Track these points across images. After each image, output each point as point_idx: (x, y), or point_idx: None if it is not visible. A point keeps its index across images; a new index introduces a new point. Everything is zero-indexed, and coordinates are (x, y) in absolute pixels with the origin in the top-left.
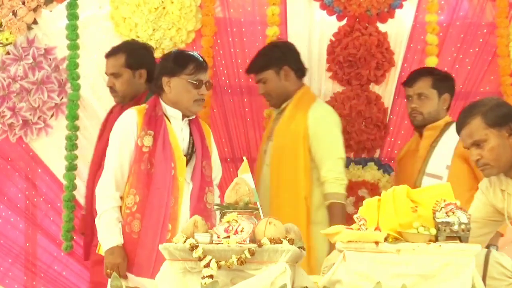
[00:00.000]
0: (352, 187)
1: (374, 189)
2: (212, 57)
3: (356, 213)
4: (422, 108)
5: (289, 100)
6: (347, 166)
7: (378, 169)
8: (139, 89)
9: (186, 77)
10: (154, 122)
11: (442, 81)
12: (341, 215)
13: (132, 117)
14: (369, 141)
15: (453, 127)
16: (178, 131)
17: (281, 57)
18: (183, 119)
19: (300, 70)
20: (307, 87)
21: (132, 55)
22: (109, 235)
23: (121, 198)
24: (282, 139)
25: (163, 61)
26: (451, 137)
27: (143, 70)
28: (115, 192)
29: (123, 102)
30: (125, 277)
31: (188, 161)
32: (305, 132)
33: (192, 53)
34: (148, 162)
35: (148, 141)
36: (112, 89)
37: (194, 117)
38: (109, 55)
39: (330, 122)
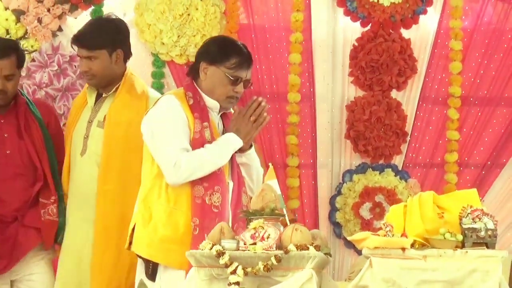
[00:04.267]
0: (369, 193)
1: (391, 195)
2: None
3: (372, 218)
4: None
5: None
6: (364, 171)
7: (395, 176)
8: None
9: (225, 69)
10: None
11: None
12: None
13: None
14: (387, 148)
15: None
16: (216, 126)
17: (116, 38)
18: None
19: (129, 54)
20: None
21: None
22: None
23: None
24: None
25: (208, 43)
26: None
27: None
28: None
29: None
30: None
31: None
32: None
33: (240, 45)
34: None
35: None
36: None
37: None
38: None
39: None
